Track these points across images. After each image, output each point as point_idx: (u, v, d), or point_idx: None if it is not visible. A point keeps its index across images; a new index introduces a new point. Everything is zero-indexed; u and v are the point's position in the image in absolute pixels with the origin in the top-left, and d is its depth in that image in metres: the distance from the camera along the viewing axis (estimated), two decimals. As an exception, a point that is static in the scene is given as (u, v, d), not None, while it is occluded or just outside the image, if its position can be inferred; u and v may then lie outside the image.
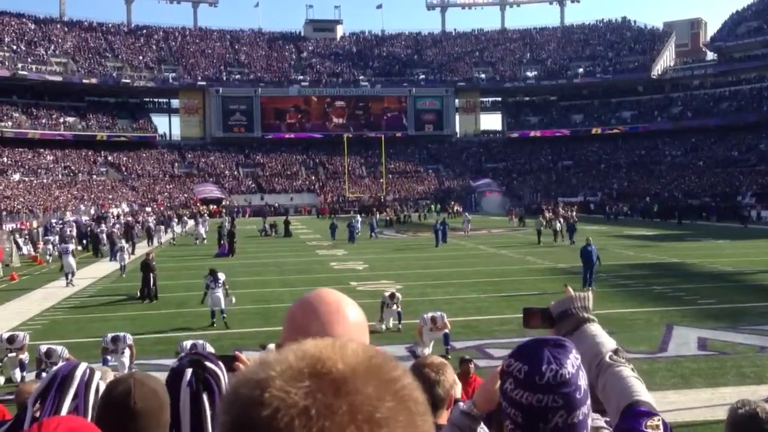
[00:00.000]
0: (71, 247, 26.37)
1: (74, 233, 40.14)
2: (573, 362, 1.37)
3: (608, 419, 1.67)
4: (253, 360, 0.81)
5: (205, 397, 1.97)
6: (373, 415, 0.71)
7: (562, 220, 46.94)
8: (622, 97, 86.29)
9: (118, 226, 42.23)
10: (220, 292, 16.13)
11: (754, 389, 9.82)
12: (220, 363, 2.06)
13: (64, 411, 1.93)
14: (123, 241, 29.49)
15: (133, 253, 31.02)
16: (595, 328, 1.84)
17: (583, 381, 1.38)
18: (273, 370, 0.72)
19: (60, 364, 2.18)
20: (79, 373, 2.01)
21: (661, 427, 1.56)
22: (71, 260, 23.63)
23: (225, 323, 15.82)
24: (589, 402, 1.40)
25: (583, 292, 1.89)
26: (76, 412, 1.95)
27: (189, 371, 2.00)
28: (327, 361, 0.74)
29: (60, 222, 47.46)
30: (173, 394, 2.02)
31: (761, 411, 2.26)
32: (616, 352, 1.76)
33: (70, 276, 23.25)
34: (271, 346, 3.96)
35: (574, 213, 49.12)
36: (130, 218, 50.24)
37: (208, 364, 2.01)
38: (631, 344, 12.31)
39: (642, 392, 1.64)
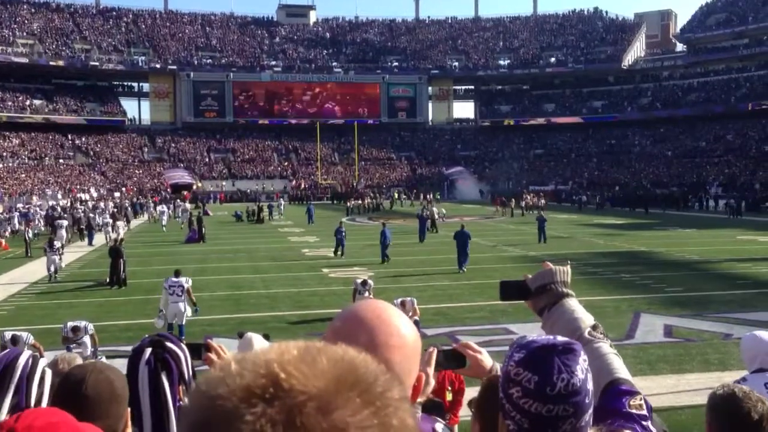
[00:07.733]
0: (65, 222, 29.95)
1: (41, 217, 39.49)
2: (582, 367, 1.32)
3: None
4: (225, 358, 0.75)
5: (164, 376, 1.97)
6: None
7: (534, 208, 47.35)
8: (593, 87, 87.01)
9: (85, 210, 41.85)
10: (55, 257, 20.71)
11: (719, 375, 10.00)
12: (183, 345, 2.08)
13: (5, 406, 1.82)
14: (107, 216, 34.21)
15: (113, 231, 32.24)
16: (574, 303, 1.80)
17: (590, 384, 1.34)
18: (229, 387, 0.67)
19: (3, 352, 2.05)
20: (21, 363, 1.88)
21: (644, 406, 1.55)
22: (63, 233, 26.91)
23: (56, 279, 20.54)
24: (593, 403, 1.37)
25: (563, 266, 1.85)
26: (18, 408, 1.83)
27: (149, 350, 2.01)
28: (284, 383, 0.66)
29: (26, 207, 46.65)
30: (132, 373, 2.01)
31: (738, 390, 2.35)
32: (594, 327, 1.73)
33: (61, 248, 23.28)
34: (249, 335, 3.94)
35: (543, 201, 49.45)
36: (101, 203, 49.79)
37: (169, 344, 2.02)
38: (599, 331, 12.44)
39: (621, 369, 1.62)
